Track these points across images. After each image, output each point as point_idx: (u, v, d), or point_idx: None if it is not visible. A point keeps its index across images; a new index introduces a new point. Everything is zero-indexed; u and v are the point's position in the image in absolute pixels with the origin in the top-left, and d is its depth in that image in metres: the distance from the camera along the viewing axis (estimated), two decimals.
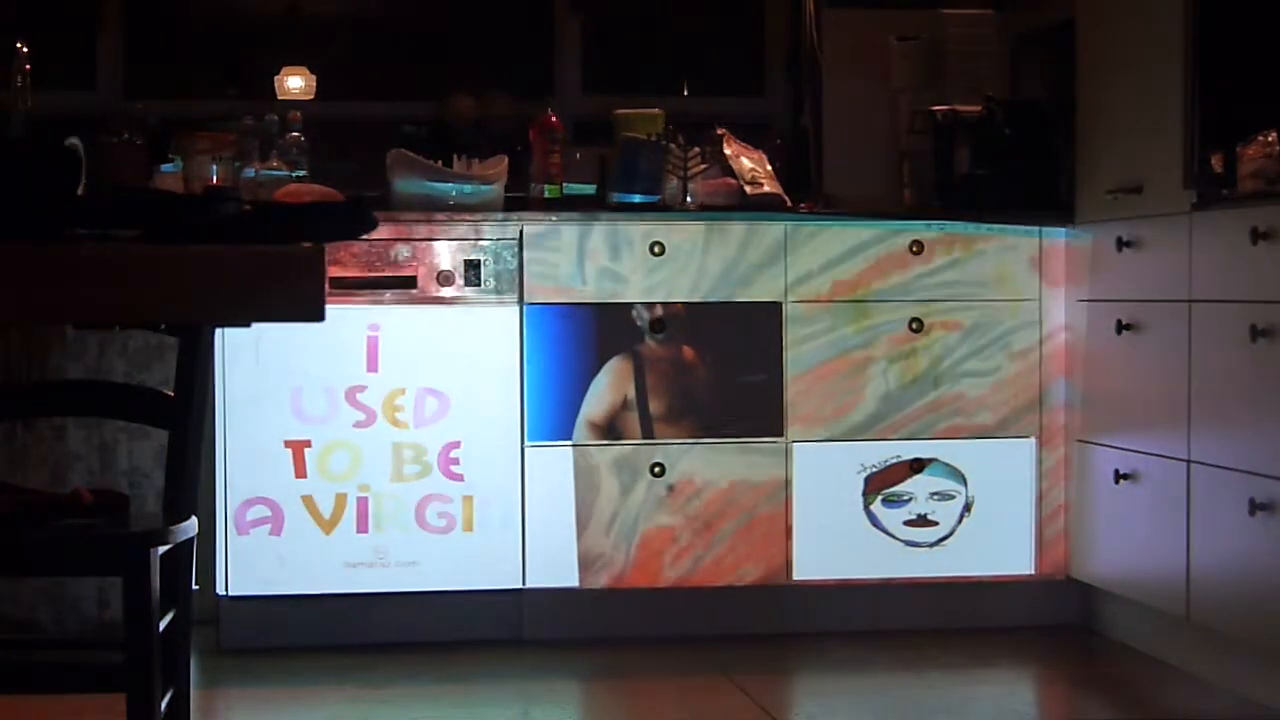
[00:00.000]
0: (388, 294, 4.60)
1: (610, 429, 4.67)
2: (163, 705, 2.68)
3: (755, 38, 5.87)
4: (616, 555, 4.68)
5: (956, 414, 4.79)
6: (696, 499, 4.71)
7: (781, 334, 4.74)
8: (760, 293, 4.73)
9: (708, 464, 4.71)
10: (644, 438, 4.68)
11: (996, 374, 4.80)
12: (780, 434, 4.74)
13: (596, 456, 4.67)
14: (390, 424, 4.60)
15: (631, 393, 4.68)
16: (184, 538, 2.77)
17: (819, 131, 5.32)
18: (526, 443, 4.65)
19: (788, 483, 4.74)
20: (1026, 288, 4.81)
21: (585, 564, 4.68)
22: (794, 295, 4.74)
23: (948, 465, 4.80)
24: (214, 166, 4.79)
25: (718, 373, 4.73)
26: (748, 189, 4.85)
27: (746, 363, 4.74)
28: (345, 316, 4.55)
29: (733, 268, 4.72)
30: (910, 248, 4.77)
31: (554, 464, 4.66)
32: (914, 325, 4.77)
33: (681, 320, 4.71)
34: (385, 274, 4.60)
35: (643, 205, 4.77)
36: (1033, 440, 4.83)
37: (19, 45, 4.79)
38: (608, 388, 4.68)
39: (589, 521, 4.67)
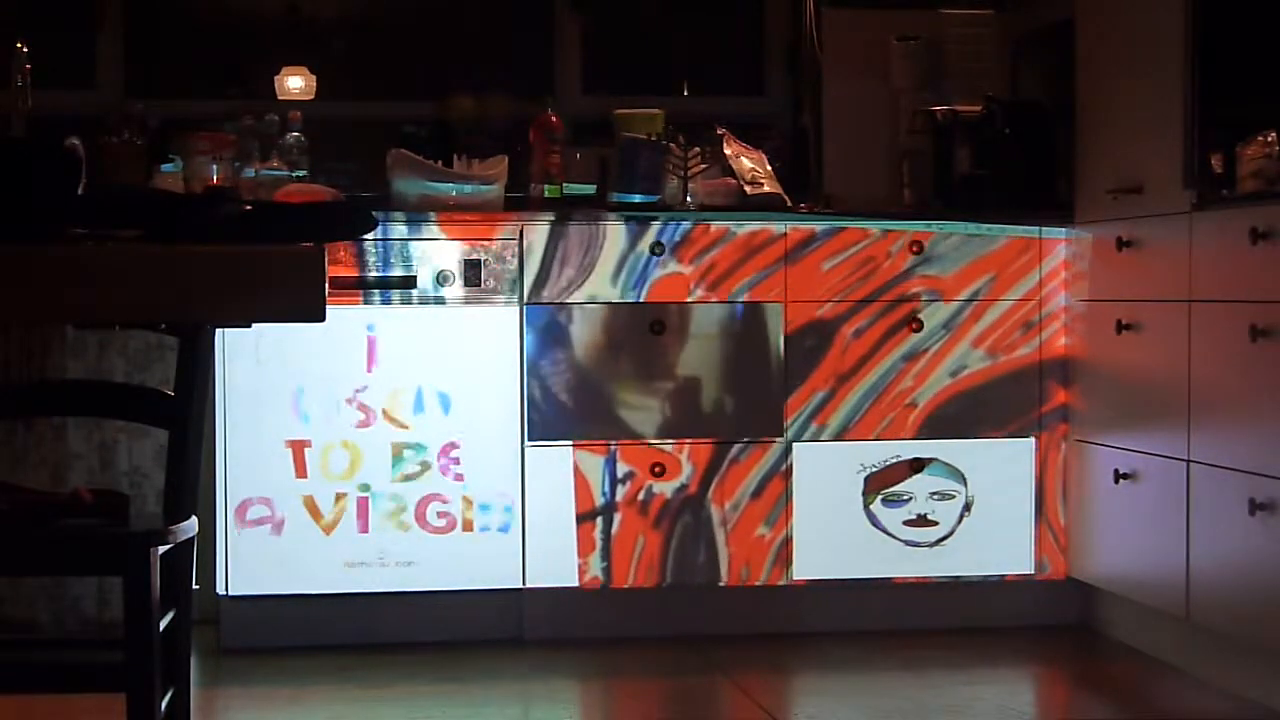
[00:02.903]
0: (388, 294, 4.60)
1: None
2: (163, 705, 2.68)
3: (755, 38, 5.87)
4: (616, 555, 4.68)
5: (956, 413, 4.79)
6: (697, 499, 4.71)
7: (781, 333, 4.74)
8: (760, 292, 4.72)
9: (708, 464, 4.71)
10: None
11: (996, 374, 4.80)
12: (780, 434, 4.74)
13: (597, 455, 4.67)
14: (390, 424, 4.60)
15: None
16: (184, 538, 2.77)
17: (819, 131, 5.32)
18: (526, 443, 4.65)
19: (788, 482, 4.74)
20: (1026, 287, 4.81)
21: (585, 564, 4.68)
22: (794, 295, 4.73)
23: (947, 465, 4.80)
24: (214, 166, 4.79)
25: (716, 373, 4.72)
26: (748, 189, 4.85)
27: (746, 362, 4.73)
28: (345, 316, 4.55)
29: (732, 267, 4.72)
30: (910, 247, 4.77)
31: (554, 464, 4.66)
32: (914, 325, 4.78)
33: (681, 320, 4.71)
34: (385, 274, 4.60)
35: (643, 205, 4.77)
36: (1032, 440, 4.82)
37: (19, 45, 4.78)
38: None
39: (589, 521, 4.67)
